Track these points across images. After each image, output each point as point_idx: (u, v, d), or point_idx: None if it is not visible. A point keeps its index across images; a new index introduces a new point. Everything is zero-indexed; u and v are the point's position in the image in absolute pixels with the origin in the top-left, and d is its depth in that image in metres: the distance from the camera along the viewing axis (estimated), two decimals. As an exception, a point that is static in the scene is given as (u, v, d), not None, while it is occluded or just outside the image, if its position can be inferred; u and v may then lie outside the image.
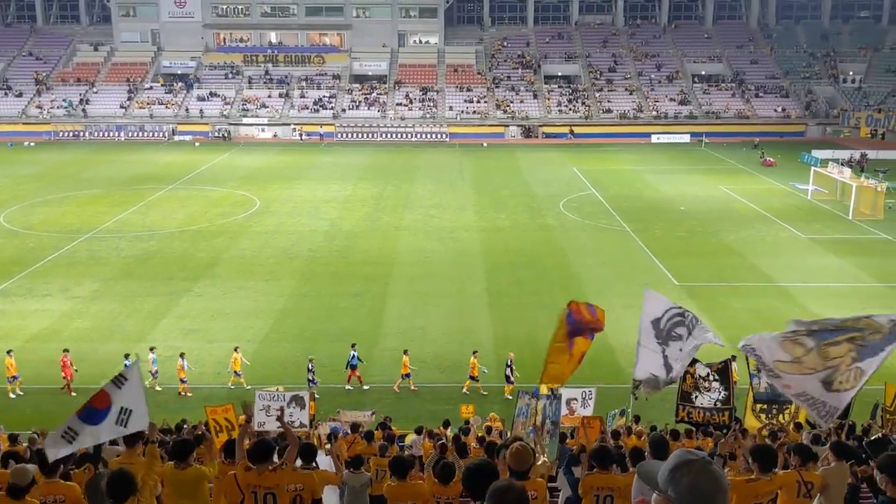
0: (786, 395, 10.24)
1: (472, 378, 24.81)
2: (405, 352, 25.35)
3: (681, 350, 12.86)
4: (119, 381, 8.79)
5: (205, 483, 7.52)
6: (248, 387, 23.99)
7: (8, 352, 24.64)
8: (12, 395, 24.26)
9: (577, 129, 78.45)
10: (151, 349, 25.36)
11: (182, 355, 24.78)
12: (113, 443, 12.16)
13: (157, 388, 24.19)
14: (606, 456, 8.61)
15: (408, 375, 25.02)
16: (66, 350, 24.85)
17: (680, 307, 13.79)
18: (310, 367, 24.47)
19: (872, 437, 12.54)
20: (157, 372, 24.83)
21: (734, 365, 15.51)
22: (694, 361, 15.70)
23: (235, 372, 24.90)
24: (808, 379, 9.37)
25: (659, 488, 3.57)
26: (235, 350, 25.19)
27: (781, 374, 9.57)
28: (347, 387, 25.07)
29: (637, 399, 14.60)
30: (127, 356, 24.68)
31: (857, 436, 14.88)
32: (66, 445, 8.24)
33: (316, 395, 23.73)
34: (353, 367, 25.04)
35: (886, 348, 9.31)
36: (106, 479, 6.67)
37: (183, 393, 24.45)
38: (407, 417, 22.45)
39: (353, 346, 25.37)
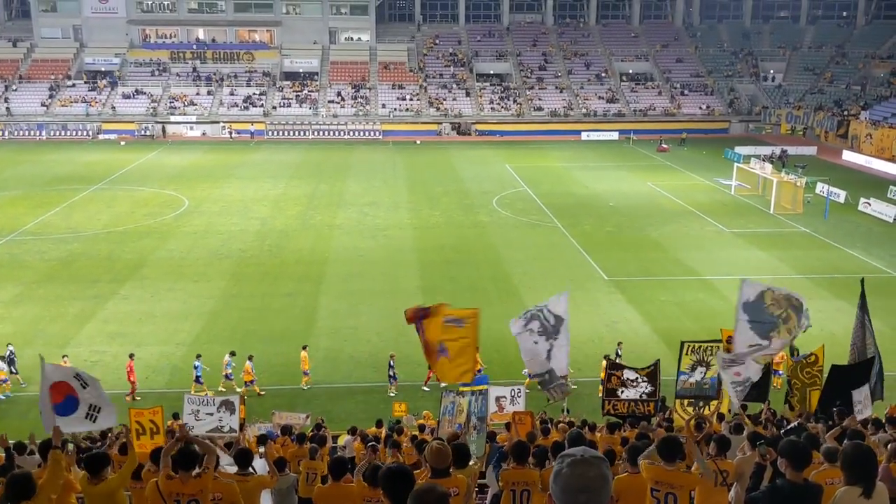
0: (728, 381, 10.74)
1: (305, 373, 24.97)
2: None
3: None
4: (82, 382, 8.88)
5: (119, 492, 7.41)
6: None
7: (63, 357, 24.26)
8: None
9: (509, 128, 79.21)
10: (232, 353, 24.86)
11: (251, 357, 24.50)
12: (31, 453, 11.89)
13: (222, 390, 23.98)
14: (523, 451, 8.78)
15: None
16: (131, 355, 24.46)
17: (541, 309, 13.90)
18: (391, 363, 24.45)
19: (788, 427, 13.04)
20: (231, 375, 24.60)
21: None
22: (620, 367, 16.13)
23: (304, 371, 24.92)
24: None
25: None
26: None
27: (745, 361, 10.20)
28: (424, 388, 24.77)
29: (550, 402, 14.93)
30: (199, 356, 24.51)
31: (777, 423, 15.44)
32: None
33: (391, 393, 24.11)
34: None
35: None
36: (7, 479, 6.56)
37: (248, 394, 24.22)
38: (340, 419, 22.42)
39: None
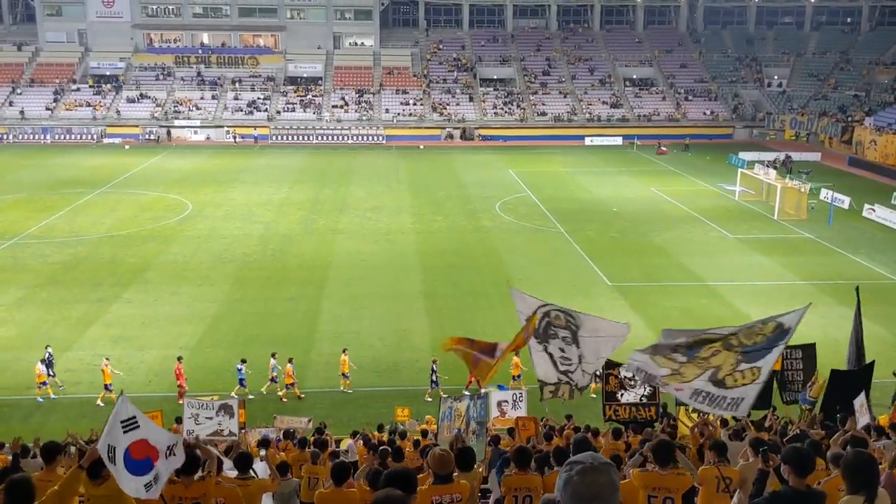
0: (681, 399, 10.58)
1: (344, 375, 25.10)
2: (344, 351, 25.45)
3: (574, 348, 12.64)
4: (131, 424, 7.77)
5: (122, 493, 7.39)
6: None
7: (105, 359, 24.55)
8: (100, 404, 23.76)
9: (512, 133, 79.27)
10: (273, 355, 25.15)
11: (291, 360, 24.77)
12: (34, 457, 11.88)
13: (278, 393, 24.84)
14: (525, 456, 8.75)
15: (346, 375, 25.08)
16: (179, 358, 24.65)
17: (547, 305, 13.27)
18: (433, 367, 24.53)
19: (791, 435, 13.00)
20: (276, 378, 24.88)
21: None
22: (616, 365, 16.02)
23: (344, 374, 25.03)
24: (695, 382, 9.87)
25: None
26: (343, 351, 25.26)
27: (669, 384, 10.04)
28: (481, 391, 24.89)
29: (543, 402, 14.77)
30: (243, 361, 24.76)
31: (781, 431, 15.38)
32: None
33: (443, 395, 23.84)
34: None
35: (774, 348, 9.75)
36: (6, 483, 6.48)
37: (287, 398, 24.72)
38: (342, 422, 22.41)
39: None
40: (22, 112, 77.14)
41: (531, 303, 12.44)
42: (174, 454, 7.66)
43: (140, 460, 7.53)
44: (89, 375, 25.07)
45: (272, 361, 24.94)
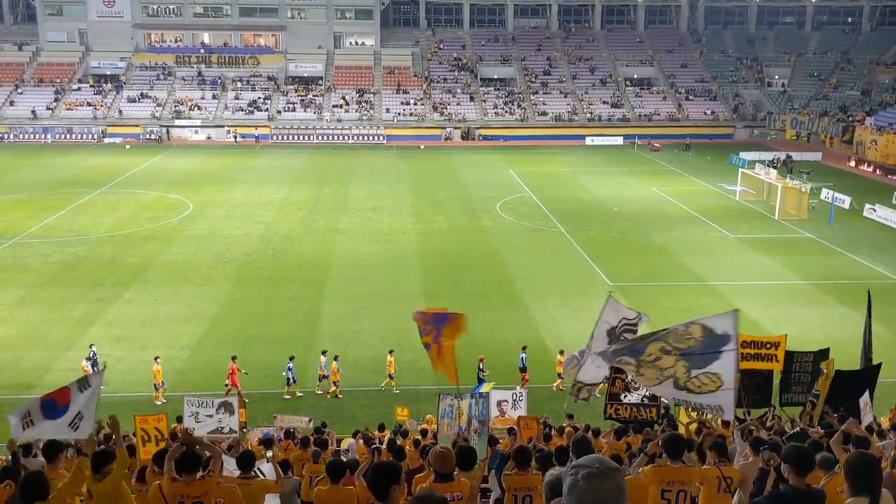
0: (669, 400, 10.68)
1: (390, 376, 25.11)
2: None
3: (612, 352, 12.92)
4: (83, 385, 9.14)
5: (123, 487, 7.45)
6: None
7: (155, 358, 24.47)
8: (158, 402, 23.65)
9: (513, 132, 79.25)
10: (323, 352, 25.23)
11: (336, 358, 24.86)
12: (35, 455, 11.91)
13: (318, 392, 24.97)
14: (525, 456, 8.75)
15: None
16: (234, 357, 24.59)
17: (636, 315, 13.93)
18: (480, 366, 24.43)
19: (791, 433, 12.99)
20: (327, 375, 24.87)
21: None
22: (621, 370, 16.02)
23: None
24: (662, 387, 10.02)
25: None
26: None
27: (643, 387, 10.23)
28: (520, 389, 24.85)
29: (577, 402, 14.87)
30: (292, 358, 24.80)
31: (779, 430, 15.37)
32: (20, 430, 8.68)
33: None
34: (524, 370, 24.71)
35: (721, 352, 9.82)
36: (21, 479, 6.62)
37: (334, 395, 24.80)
38: (343, 422, 22.41)
39: (523, 348, 25.10)
40: (33, 112, 77.12)
41: (620, 313, 12.83)
42: (88, 384, 9.00)
43: (50, 402, 8.88)
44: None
45: (322, 359, 24.95)
